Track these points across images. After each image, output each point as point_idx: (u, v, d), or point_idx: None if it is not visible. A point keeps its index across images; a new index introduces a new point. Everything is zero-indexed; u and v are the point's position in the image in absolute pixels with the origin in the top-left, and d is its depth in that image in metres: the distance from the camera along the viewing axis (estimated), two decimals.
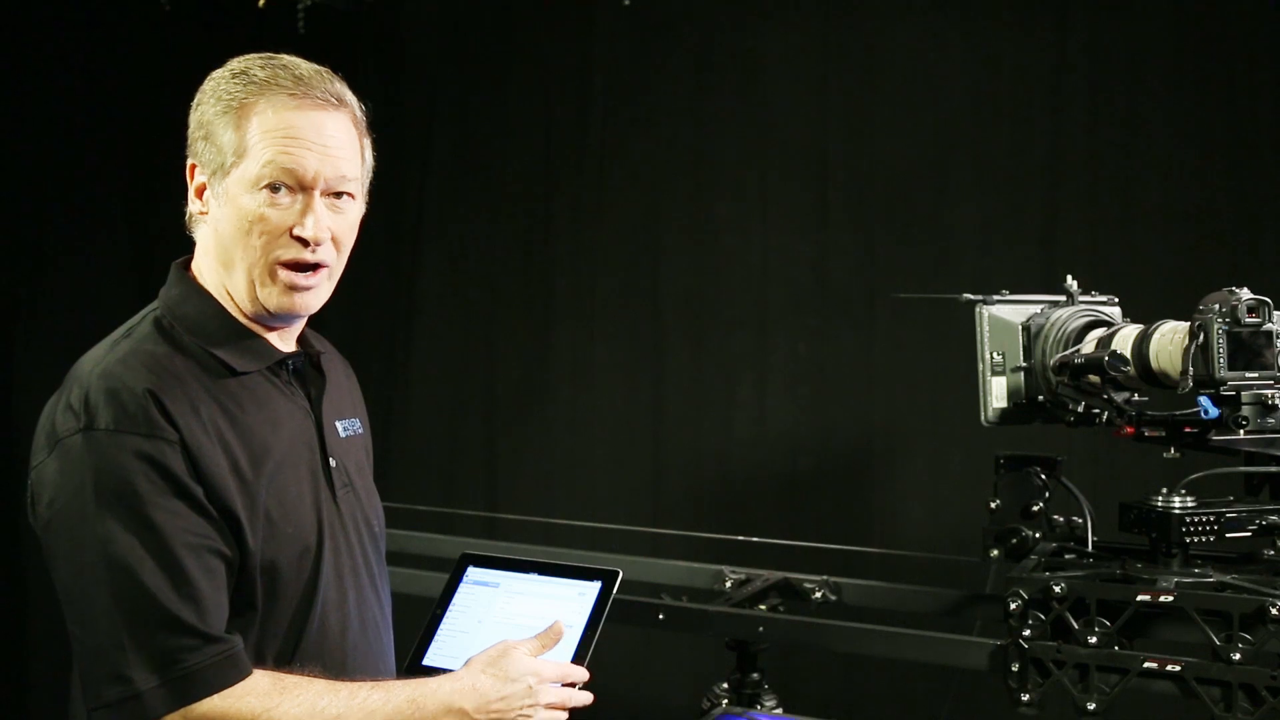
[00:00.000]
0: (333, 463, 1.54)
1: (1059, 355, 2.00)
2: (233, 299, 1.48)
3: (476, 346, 3.83)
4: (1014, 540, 2.07)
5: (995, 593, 2.10)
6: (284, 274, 1.45)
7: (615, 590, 1.69)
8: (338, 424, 1.58)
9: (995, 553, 2.09)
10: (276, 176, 1.42)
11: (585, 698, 1.57)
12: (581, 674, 1.55)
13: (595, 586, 1.70)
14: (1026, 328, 2.07)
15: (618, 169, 3.65)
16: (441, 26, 3.90)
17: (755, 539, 2.66)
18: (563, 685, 1.54)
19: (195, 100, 1.47)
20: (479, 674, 1.48)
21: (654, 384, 3.58)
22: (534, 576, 1.74)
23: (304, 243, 1.44)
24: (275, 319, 1.50)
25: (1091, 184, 3.10)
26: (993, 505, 2.11)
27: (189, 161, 1.48)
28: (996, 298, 2.10)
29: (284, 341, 1.54)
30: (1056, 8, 3.13)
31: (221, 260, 1.47)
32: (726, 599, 2.29)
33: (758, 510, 3.35)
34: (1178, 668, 1.71)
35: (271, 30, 3.61)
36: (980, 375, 2.08)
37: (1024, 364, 2.07)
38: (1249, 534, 1.85)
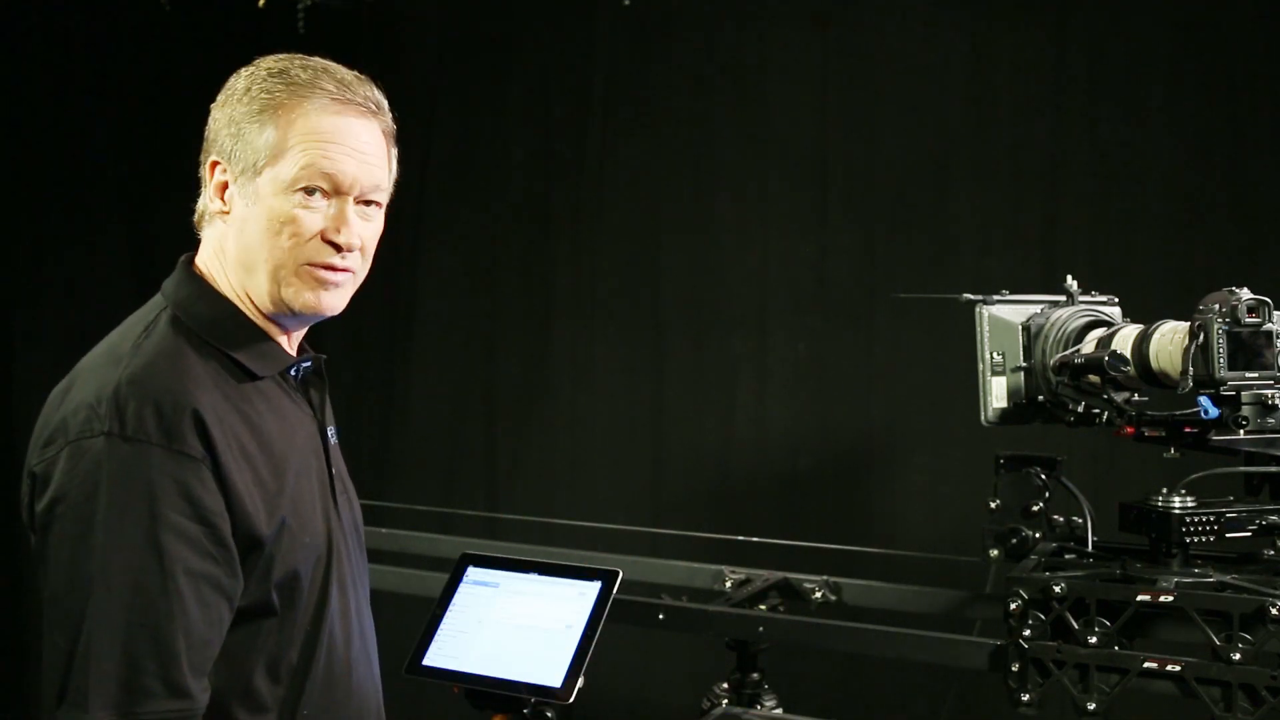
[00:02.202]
0: (334, 470, 1.54)
1: (1059, 355, 2.00)
2: (249, 300, 1.46)
3: (476, 346, 3.83)
4: (1014, 540, 2.07)
5: (995, 593, 2.10)
6: (314, 272, 1.43)
7: (615, 590, 1.69)
8: (329, 429, 1.57)
9: (995, 553, 2.09)
10: (313, 180, 1.41)
11: None
12: None
13: (595, 586, 1.70)
14: (1026, 328, 2.07)
15: (618, 169, 3.65)
16: (441, 26, 3.90)
17: (755, 539, 2.65)
18: None
19: (221, 97, 1.45)
20: None
21: (654, 384, 3.58)
22: (534, 576, 1.75)
23: (336, 248, 1.43)
24: (296, 319, 1.48)
25: (1091, 184, 3.10)
26: (993, 505, 2.11)
27: (209, 158, 1.45)
28: (996, 298, 2.10)
29: (291, 347, 1.53)
30: (1056, 8, 3.13)
31: (242, 260, 1.44)
32: (726, 599, 2.29)
33: (758, 510, 3.35)
34: (1178, 668, 1.71)
35: (271, 30, 3.61)
36: (980, 375, 2.08)
37: (1024, 364, 2.07)
38: (1249, 534, 1.85)
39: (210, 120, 1.46)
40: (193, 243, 1.54)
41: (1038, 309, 2.09)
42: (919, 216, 3.28)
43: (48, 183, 3.97)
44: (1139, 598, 1.75)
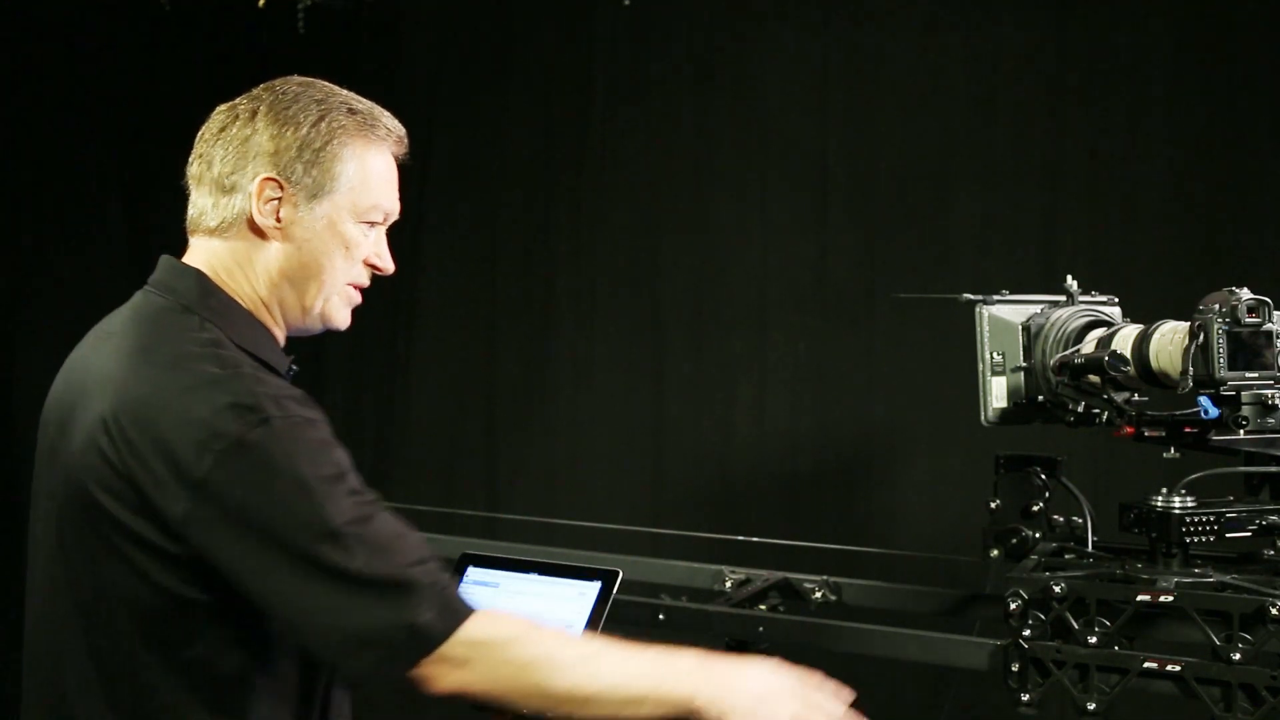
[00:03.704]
0: None
1: (1059, 355, 2.00)
2: (265, 308, 1.53)
3: (476, 346, 3.83)
4: (1014, 540, 2.07)
5: (995, 593, 2.09)
6: (351, 293, 1.58)
7: (615, 590, 1.69)
8: None
9: (995, 553, 2.09)
10: (379, 215, 1.57)
11: None
12: None
13: (595, 586, 1.70)
14: (1026, 328, 2.07)
15: (618, 169, 3.65)
16: (441, 27, 3.90)
17: (755, 539, 2.65)
18: None
19: (286, 116, 1.51)
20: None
21: (654, 384, 3.58)
22: (534, 576, 1.75)
23: (375, 269, 1.58)
24: (306, 330, 1.58)
25: (1091, 184, 3.10)
26: (993, 505, 2.10)
27: (257, 173, 1.49)
28: (996, 298, 2.09)
29: None
30: (1056, 8, 3.13)
31: (289, 275, 1.52)
32: (726, 599, 2.29)
33: (758, 510, 3.35)
34: (1178, 668, 1.71)
35: (271, 30, 3.61)
36: (980, 375, 2.08)
37: (1024, 364, 2.06)
38: (1249, 534, 1.85)
39: (257, 135, 1.51)
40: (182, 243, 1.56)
41: (1038, 309, 2.09)
42: (919, 216, 3.28)
43: (48, 183, 3.96)
44: (1139, 598, 1.75)
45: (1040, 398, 2.05)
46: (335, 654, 1.37)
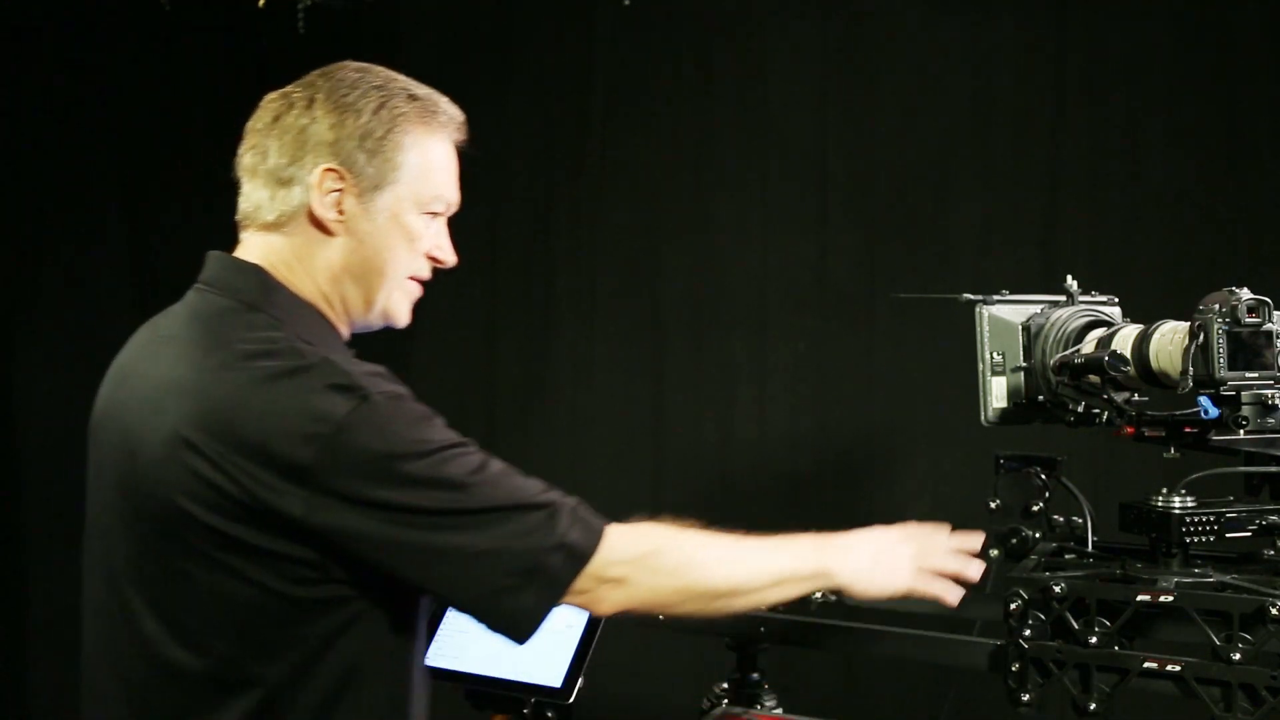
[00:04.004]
0: None
1: (1059, 355, 2.00)
2: (329, 304, 1.49)
3: (476, 346, 3.83)
4: (1014, 540, 2.06)
5: (995, 593, 2.09)
6: (412, 286, 1.54)
7: None
8: None
9: (995, 553, 2.09)
10: (442, 205, 1.53)
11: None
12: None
13: None
14: (1026, 328, 2.07)
15: (618, 169, 3.65)
16: (441, 27, 3.90)
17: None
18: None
19: (345, 104, 1.45)
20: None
21: (654, 384, 3.58)
22: None
23: (436, 262, 1.55)
24: (367, 326, 1.55)
25: (1091, 184, 3.10)
26: (993, 505, 2.10)
27: (318, 164, 1.44)
28: (996, 298, 2.09)
29: None
30: (1056, 8, 3.13)
31: (353, 270, 1.47)
32: None
33: (758, 510, 3.35)
34: (1178, 668, 1.71)
35: (271, 30, 3.61)
36: (980, 375, 2.08)
37: (1024, 364, 2.06)
38: (1249, 534, 1.84)
39: (315, 124, 1.45)
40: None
41: (1038, 309, 2.09)
42: (919, 216, 3.28)
43: (47, 183, 3.96)
44: (1139, 598, 1.75)
45: (1040, 398, 2.05)
46: (499, 600, 1.36)
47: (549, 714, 1.87)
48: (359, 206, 1.46)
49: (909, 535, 1.69)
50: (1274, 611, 1.66)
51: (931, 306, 2.72)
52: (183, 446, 1.31)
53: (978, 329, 2.08)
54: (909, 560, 1.66)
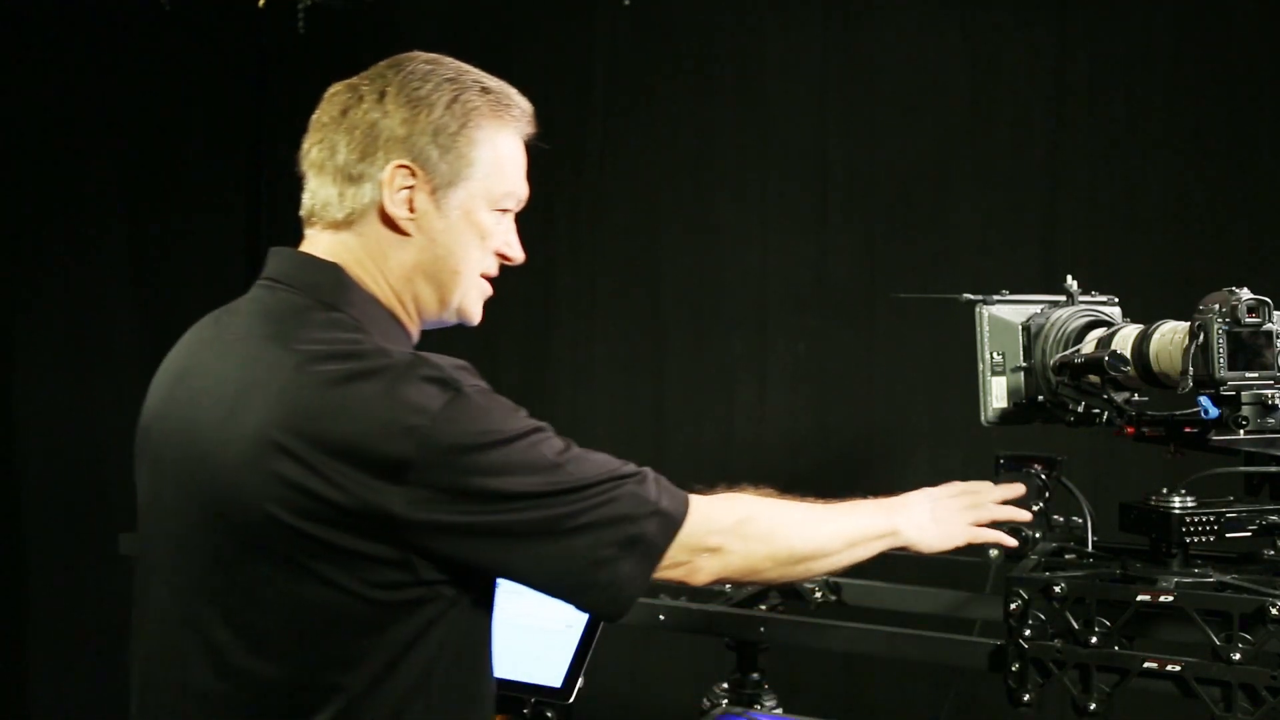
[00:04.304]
0: None
1: (1059, 355, 2.00)
2: (401, 305, 1.46)
3: (476, 346, 3.83)
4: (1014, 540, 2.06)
5: (995, 593, 2.09)
6: (484, 284, 1.52)
7: None
8: None
9: (995, 553, 2.09)
10: (513, 204, 1.51)
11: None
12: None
13: None
14: (1026, 328, 2.06)
15: (618, 169, 3.65)
16: (442, 26, 3.90)
17: None
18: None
19: (418, 98, 1.41)
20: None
21: (654, 384, 3.58)
22: None
23: (505, 259, 1.53)
24: (438, 326, 1.53)
25: (1091, 184, 3.10)
26: None
27: (390, 160, 1.40)
28: (996, 298, 2.09)
29: None
30: (1056, 8, 3.13)
31: (426, 269, 1.44)
32: (727, 599, 2.28)
33: None
34: (1178, 668, 1.71)
35: (271, 30, 3.61)
36: (980, 375, 2.08)
37: (1024, 364, 2.06)
38: (1249, 534, 1.84)
39: (387, 119, 1.40)
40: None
41: (1038, 309, 2.09)
42: (919, 216, 3.28)
43: (48, 183, 3.96)
44: (1139, 598, 1.75)
45: (1040, 398, 2.05)
46: (596, 573, 1.34)
47: (549, 714, 1.87)
48: (431, 204, 1.42)
49: (957, 490, 1.77)
50: (1274, 611, 1.66)
51: (931, 306, 2.72)
52: (270, 450, 1.27)
53: (978, 329, 2.08)
54: (961, 513, 1.74)
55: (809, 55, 3.41)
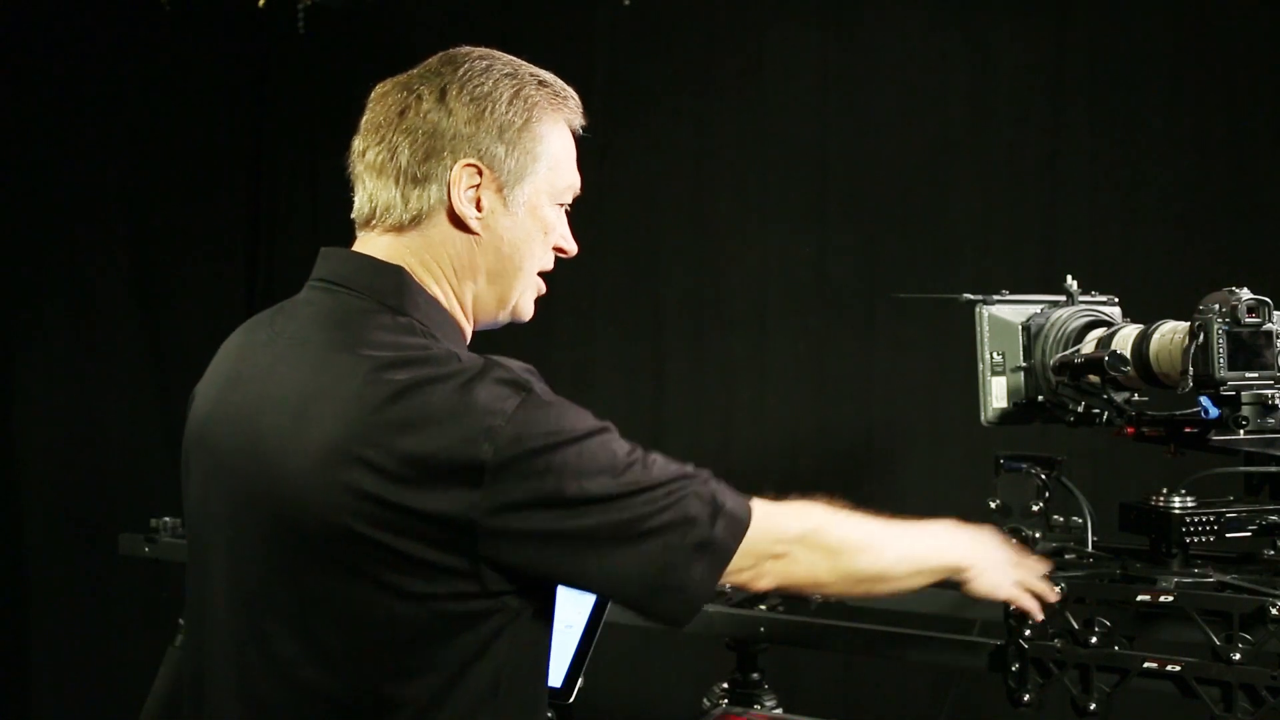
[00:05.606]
0: None
1: (1059, 355, 2.00)
2: (460, 305, 1.45)
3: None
4: (1014, 540, 2.06)
5: None
6: (540, 282, 1.51)
7: None
8: None
9: None
10: (570, 198, 1.47)
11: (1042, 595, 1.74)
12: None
13: None
14: (1026, 328, 2.07)
15: (618, 168, 3.65)
16: (441, 27, 3.90)
17: None
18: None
19: (481, 94, 1.38)
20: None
21: (654, 384, 3.58)
22: None
23: (561, 253, 1.51)
24: (496, 325, 1.53)
25: (1091, 184, 3.10)
26: (993, 505, 2.10)
27: (464, 160, 1.37)
28: (996, 298, 2.09)
29: None
30: (1056, 8, 3.13)
31: (490, 269, 1.43)
32: (727, 599, 2.28)
33: None
34: (1178, 668, 1.71)
35: (271, 30, 3.61)
36: (980, 375, 2.08)
37: (1024, 364, 2.06)
38: (1249, 534, 1.85)
39: (451, 118, 1.37)
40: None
41: (1038, 309, 2.09)
42: (919, 216, 3.28)
43: (48, 183, 3.96)
44: (1139, 598, 1.75)
45: (1040, 398, 2.05)
46: (666, 577, 1.33)
47: (549, 714, 1.86)
48: (499, 201, 1.40)
49: (1009, 554, 1.74)
50: (1274, 611, 1.66)
51: (931, 306, 2.72)
52: (342, 461, 1.24)
53: (978, 329, 2.08)
54: (1011, 569, 1.71)
55: (809, 55, 3.41)
